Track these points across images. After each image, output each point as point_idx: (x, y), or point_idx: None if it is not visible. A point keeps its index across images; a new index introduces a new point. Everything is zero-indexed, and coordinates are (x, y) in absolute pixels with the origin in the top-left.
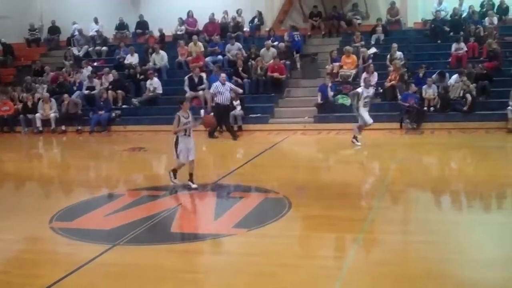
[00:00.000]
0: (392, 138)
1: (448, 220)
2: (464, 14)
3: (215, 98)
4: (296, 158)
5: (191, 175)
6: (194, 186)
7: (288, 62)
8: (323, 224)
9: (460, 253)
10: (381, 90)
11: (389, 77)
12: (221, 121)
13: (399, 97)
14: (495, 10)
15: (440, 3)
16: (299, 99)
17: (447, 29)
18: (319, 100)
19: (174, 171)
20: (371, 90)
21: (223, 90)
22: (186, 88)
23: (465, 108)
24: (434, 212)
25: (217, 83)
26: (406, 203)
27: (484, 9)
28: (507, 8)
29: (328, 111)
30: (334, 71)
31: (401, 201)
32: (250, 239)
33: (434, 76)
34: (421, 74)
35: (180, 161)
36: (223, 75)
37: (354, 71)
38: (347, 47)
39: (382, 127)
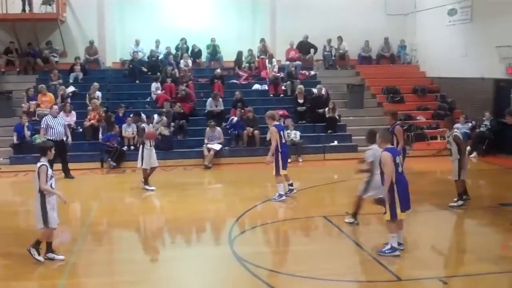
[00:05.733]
0: (93, 178)
1: (151, 258)
2: (161, 56)
3: (46, 134)
4: None
5: (50, 244)
6: (61, 257)
7: None
8: (21, 272)
9: None
10: (81, 130)
11: (89, 117)
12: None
13: (100, 136)
14: (189, 53)
15: (137, 44)
16: None
17: (145, 69)
18: (15, 140)
19: (37, 244)
20: None
21: (54, 123)
22: None
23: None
24: (137, 251)
25: (48, 116)
26: (109, 243)
27: (180, 52)
28: (200, 51)
29: (25, 151)
30: (30, 109)
31: (105, 241)
32: None
33: (132, 115)
34: (120, 114)
35: (53, 227)
36: (55, 107)
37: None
38: (42, 85)
39: (83, 167)
